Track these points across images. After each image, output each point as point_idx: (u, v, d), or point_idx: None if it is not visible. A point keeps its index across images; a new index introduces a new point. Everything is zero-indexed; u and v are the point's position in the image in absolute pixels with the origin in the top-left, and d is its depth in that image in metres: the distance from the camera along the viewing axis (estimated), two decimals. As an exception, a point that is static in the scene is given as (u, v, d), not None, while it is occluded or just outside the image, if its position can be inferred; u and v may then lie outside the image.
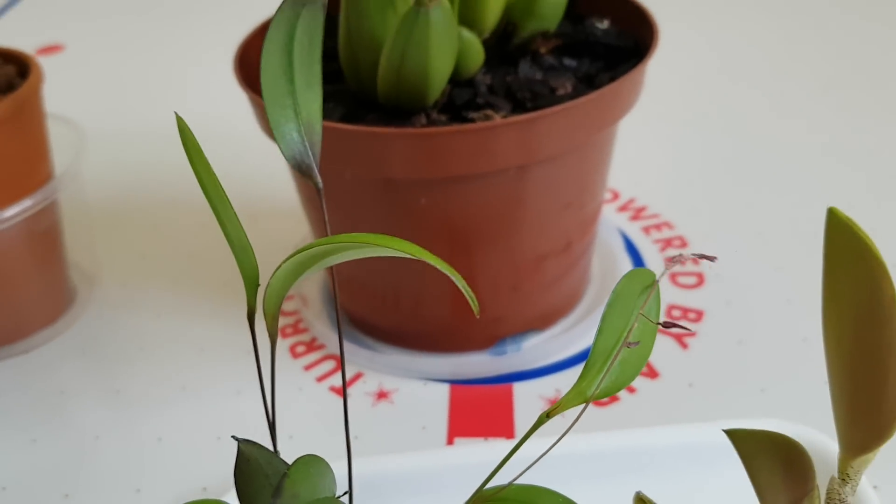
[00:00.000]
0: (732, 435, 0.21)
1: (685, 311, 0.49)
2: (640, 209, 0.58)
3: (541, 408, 0.43)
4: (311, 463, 0.19)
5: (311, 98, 0.26)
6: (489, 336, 0.47)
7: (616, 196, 0.59)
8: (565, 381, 0.45)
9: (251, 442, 0.22)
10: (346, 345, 0.48)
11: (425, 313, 0.46)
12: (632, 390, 0.44)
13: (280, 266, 0.23)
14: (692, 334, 0.47)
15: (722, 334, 0.47)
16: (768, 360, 0.45)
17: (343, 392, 0.27)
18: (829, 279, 0.23)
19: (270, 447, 0.26)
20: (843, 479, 0.23)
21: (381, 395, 0.45)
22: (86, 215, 0.56)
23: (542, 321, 0.47)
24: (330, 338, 0.49)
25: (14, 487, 0.42)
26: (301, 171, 0.26)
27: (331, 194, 0.42)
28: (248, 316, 0.24)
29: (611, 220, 0.56)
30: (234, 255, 0.24)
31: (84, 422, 0.45)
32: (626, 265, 0.52)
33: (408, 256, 0.22)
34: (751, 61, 0.76)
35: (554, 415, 0.22)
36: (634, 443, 0.34)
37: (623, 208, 0.58)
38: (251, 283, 0.24)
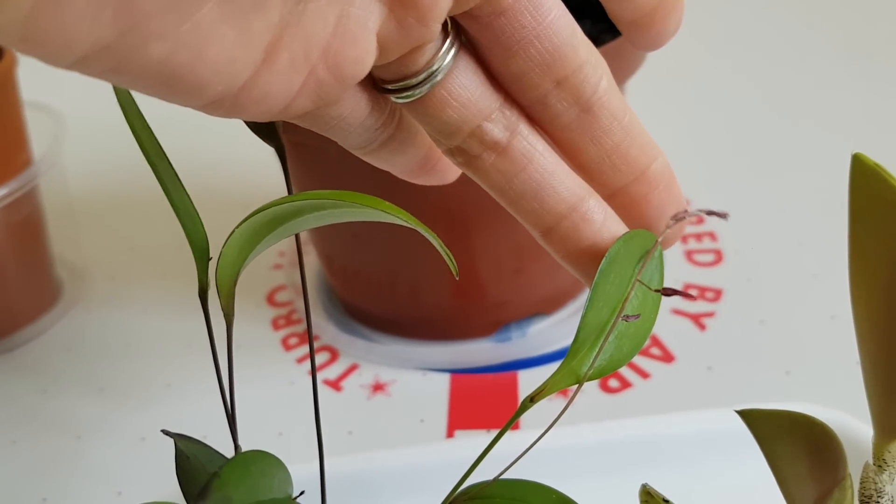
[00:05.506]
0: (748, 417, 0.18)
1: (702, 289, 0.45)
2: (653, 185, 0.54)
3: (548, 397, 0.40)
4: (253, 460, 0.16)
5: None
6: (492, 322, 0.44)
7: (627, 173, 0.56)
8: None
9: (188, 437, 0.20)
10: (341, 335, 0.45)
11: (424, 299, 0.43)
12: (645, 376, 0.41)
13: (233, 232, 0.20)
14: (710, 314, 0.44)
15: (742, 314, 0.44)
16: (793, 341, 0.42)
17: (312, 370, 0.24)
18: (856, 236, 0.20)
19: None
20: (880, 466, 0.20)
21: (378, 388, 0.42)
22: (69, 208, 0.54)
23: (549, 305, 0.44)
24: (325, 328, 0.46)
25: (-9, 492, 0.40)
26: (258, 130, 0.23)
27: (301, 159, 0.39)
28: (199, 293, 0.22)
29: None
30: (179, 221, 0.21)
31: (66, 422, 0.43)
32: (639, 244, 0.49)
33: (385, 220, 0.20)
34: (772, 22, 0.72)
35: (539, 399, 0.19)
36: (644, 432, 0.31)
37: (634, 185, 0.55)
38: (201, 255, 0.21)
